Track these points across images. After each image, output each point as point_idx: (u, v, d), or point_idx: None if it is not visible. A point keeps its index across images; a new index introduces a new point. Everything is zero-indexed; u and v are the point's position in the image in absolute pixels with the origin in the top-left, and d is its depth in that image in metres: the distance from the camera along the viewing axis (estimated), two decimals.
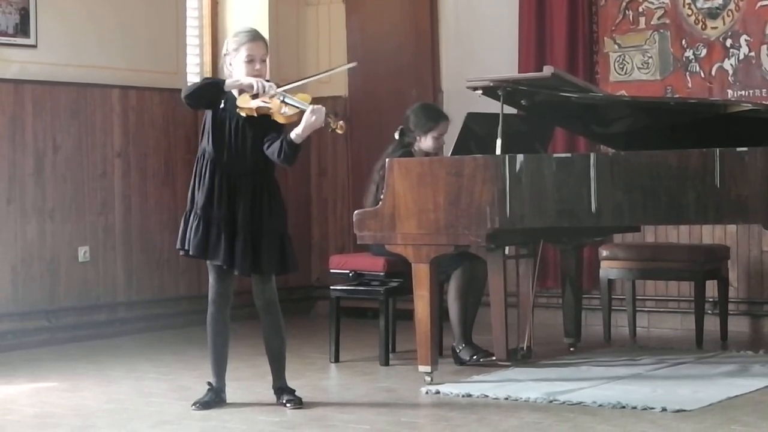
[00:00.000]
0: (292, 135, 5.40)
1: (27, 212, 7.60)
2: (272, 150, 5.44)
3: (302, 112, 5.41)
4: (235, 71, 5.50)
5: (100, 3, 8.07)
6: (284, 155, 5.42)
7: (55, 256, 7.73)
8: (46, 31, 7.73)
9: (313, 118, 5.37)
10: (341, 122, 5.47)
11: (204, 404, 5.55)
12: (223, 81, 5.45)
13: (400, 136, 6.84)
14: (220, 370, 5.63)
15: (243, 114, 5.43)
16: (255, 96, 5.38)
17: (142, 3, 8.32)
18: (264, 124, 5.44)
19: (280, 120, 5.42)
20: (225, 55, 5.56)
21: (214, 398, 5.59)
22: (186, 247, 5.53)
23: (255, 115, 5.40)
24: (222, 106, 5.47)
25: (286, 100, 5.42)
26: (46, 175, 7.70)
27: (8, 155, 7.52)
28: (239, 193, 5.45)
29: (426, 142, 6.76)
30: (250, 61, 5.46)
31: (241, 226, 5.43)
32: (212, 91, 5.43)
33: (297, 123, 5.42)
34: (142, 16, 8.31)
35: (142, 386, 6.19)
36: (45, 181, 7.69)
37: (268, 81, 5.44)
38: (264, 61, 5.49)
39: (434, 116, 6.82)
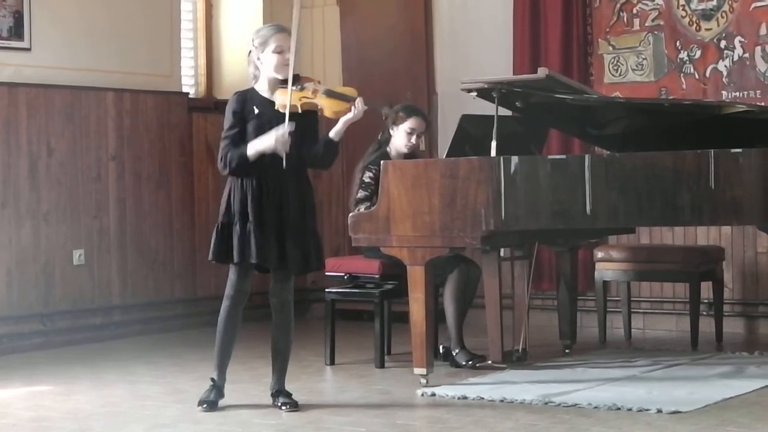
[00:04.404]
0: (331, 134, 5.49)
1: (21, 215, 7.59)
2: (313, 154, 5.50)
3: (350, 104, 5.48)
4: (265, 66, 5.50)
5: (94, 6, 8.06)
6: (326, 155, 5.50)
7: (49, 260, 7.73)
8: (40, 34, 7.72)
9: (351, 114, 5.46)
10: (401, 113, 5.53)
11: (211, 404, 5.57)
12: (246, 152, 5.42)
13: (380, 136, 6.88)
14: (224, 365, 5.64)
15: (285, 111, 5.40)
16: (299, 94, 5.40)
17: (137, 6, 8.32)
18: (303, 122, 5.45)
19: (329, 115, 5.46)
20: (250, 53, 5.55)
21: (219, 395, 5.62)
22: (239, 259, 5.45)
23: (299, 111, 5.41)
24: (256, 112, 5.47)
25: (330, 94, 5.44)
26: (41, 179, 7.69)
27: (2, 158, 7.51)
28: (285, 193, 5.47)
29: (399, 137, 6.76)
30: (280, 52, 5.47)
31: (289, 225, 5.46)
32: (243, 166, 5.44)
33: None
34: (136, 19, 8.30)
35: (138, 389, 6.18)
36: (39, 185, 7.68)
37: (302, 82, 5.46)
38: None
39: (409, 111, 6.83)
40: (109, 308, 8.06)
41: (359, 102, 5.47)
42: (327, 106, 5.45)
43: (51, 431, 5.27)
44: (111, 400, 5.92)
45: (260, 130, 5.45)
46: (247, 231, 5.43)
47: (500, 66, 8.20)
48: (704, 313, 7.45)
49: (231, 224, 5.47)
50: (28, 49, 7.68)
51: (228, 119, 5.53)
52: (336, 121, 5.52)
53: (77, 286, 7.88)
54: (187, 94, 8.75)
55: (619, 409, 5.37)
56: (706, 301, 7.49)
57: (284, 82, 5.46)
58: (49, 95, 7.77)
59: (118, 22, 8.19)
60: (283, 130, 5.36)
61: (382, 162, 6.07)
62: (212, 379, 5.64)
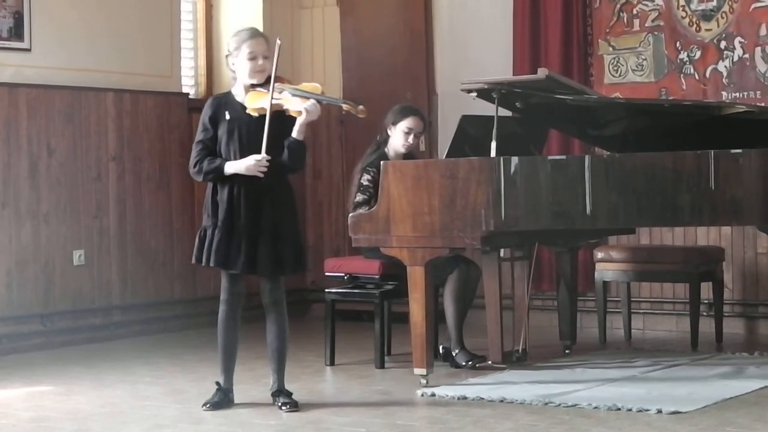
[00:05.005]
0: (294, 133, 5.48)
1: (22, 216, 7.59)
2: (282, 160, 5.49)
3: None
4: (239, 71, 5.53)
5: (94, 6, 8.07)
6: (292, 157, 5.49)
7: (49, 260, 7.73)
8: (40, 35, 7.73)
9: (305, 112, 5.43)
10: (361, 107, 5.53)
11: (215, 404, 5.60)
12: (223, 170, 5.48)
13: (379, 136, 6.89)
14: (229, 370, 5.67)
15: (255, 114, 5.44)
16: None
17: (137, 6, 8.32)
18: (276, 123, 5.45)
19: (295, 115, 5.46)
20: (227, 56, 5.59)
21: (224, 398, 5.63)
22: (205, 263, 5.52)
23: (267, 114, 5.42)
24: (227, 117, 5.51)
25: (292, 92, 5.44)
26: (41, 179, 7.69)
27: (3, 159, 7.51)
28: (260, 198, 5.49)
29: (396, 137, 6.77)
30: (253, 57, 5.48)
31: (264, 229, 5.48)
32: (218, 179, 5.51)
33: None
34: (136, 19, 8.31)
35: (137, 390, 6.19)
36: (40, 185, 7.69)
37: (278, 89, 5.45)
38: (266, 57, 5.52)
39: (405, 111, 6.84)
40: (109, 309, 8.06)
41: (309, 105, 5.44)
42: (292, 106, 5.46)
43: (51, 431, 5.27)
44: (111, 400, 5.92)
45: (230, 136, 5.50)
46: (213, 236, 5.49)
47: (500, 66, 8.20)
48: (704, 313, 7.45)
49: (207, 228, 5.56)
50: (28, 50, 7.68)
51: (201, 124, 5.61)
52: None
53: (77, 286, 7.88)
54: (187, 94, 8.75)
55: (618, 409, 5.37)
56: (706, 301, 7.49)
57: (255, 85, 5.50)
58: (49, 96, 7.77)
59: (118, 23, 8.19)
60: (261, 156, 5.40)
61: (382, 163, 6.07)
62: (217, 383, 5.66)
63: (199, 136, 5.59)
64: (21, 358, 7.25)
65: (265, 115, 5.42)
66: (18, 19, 7.62)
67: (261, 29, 8.67)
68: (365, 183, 6.68)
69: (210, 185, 5.57)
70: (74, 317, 7.85)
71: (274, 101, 5.42)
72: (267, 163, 5.41)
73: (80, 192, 7.91)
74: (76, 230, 7.88)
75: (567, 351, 6.99)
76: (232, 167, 5.45)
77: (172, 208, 8.42)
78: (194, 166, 5.55)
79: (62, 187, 7.82)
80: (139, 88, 8.29)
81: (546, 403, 5.55)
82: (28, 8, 7.65)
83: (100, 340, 7.89)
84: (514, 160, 5.68)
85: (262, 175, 5.42)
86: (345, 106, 5.50)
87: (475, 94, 6.17)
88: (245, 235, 5.46)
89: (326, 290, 6.99)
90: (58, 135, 7.81)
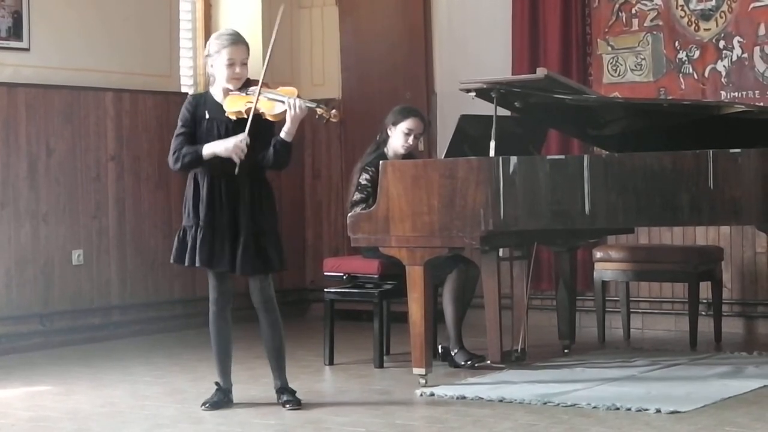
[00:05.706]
0: (282, 134, 5.47)
1: (21, 216, 7.59)
2: (267, 157, 5.49)
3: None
4: (217, 73, 5.56)
5: (93, 6, 8.07)
6: (277, 157, 5.48)
7: (49, 260, 7.73)
8: (39, 35, 7.72)
9: (293, 111, 5.42)
10: (334, 111, 5.52)
11: (213, 404, 5.60)
12: (201, 152, 5.48)
13: (378, 136, 6.90)
14: (225, 370, 5.68)
15: (233, 117, 5.47)
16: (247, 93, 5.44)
17: (136, 6, 8.32)
18: (256, 126, 5.46)
19: (270, 118, 5.46)
20: (207, 56, 5.61)
21: (223, 398, 5.65)
22: (194, 261, 5.52)
23: (245, 116, 5.44)
24: (207, 117, 5.53)
25: (269, 96, 5.45)
26: (40, 179, 7.69)
27: (2, 159, 7.51)
28: (239, 197, 5.50)
29: (396, 138, 6.77)
30: (231, 64, 5.51)
31: (244, 228, 5.48)
32: (194, 163, 5.52)
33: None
34: (135, 19, 8.30)
35: (137, 389, 6.19)
36: (39, 185, 7.69)
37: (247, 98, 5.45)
38: (245, 64, 5.55)
39: (405, 112, 6.85)
40: (108, 308, 8.06)
41: (296, 101, 5.44)
42: (267, 109, 5.46)
43: (50, 431, 5.27)
44: (110, 400, 5.92)
45: (209, 134, 5.52)
46: (197, 235, 5.50)
47: (499, 66, 8.20)
48: (703, 313, 7.46)
49: (187, 227, 5.57)
50: (27, 50, 7.68)
51: (181, 119, 5.63)
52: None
53: (76, 286, 7.88)
54: (186, 94, 8.73)
55: (617, 409, 5.37)
56: (704, 301, 7.50)
57: (232, 89, 5.54)
58: (49, 95, 7.77)
59: (117, 23, 8.19)
60: (243, 137, 5.40)
61: (381, 162, 6.08)
62: (217, 383, 5.68)
63: (179, 130, 5.60)
64: (20, 358, 7.25)
65: (242, 118, 5.44)
66: (17, 18, 7.61)
67: (259, 28, 8.83)
68: (363, 182, 6.70)
69: (190, 184, 5.56)
70: (73, 317, 7.85)
71: (250, 105, 5.43)
72: (246, 147, 5.40)
73: (79, 192, 7.91)
74: (75, 230, 7.88)
75: (566, 350, 7.00)
76: (210, 148, 5.45)
77: (171, 208, 8.42)
78: (173, 155, 5.55)
79: (61, 187, 7.82)
80: (138, 88, 8.29)
81: (545, 403, 5.55)
82: (27, 8, 7.65)
83: (100, 339, 7.89)
84: (513, 159, 5.68)
85: (238, 160, 5.40)
86: (318, 110, 5.50)
87: (474, 93, 6.16)
88: (228, 234, 5.48)
89: (325, 290, 6.99)
90: (57, 135, 7.81)
